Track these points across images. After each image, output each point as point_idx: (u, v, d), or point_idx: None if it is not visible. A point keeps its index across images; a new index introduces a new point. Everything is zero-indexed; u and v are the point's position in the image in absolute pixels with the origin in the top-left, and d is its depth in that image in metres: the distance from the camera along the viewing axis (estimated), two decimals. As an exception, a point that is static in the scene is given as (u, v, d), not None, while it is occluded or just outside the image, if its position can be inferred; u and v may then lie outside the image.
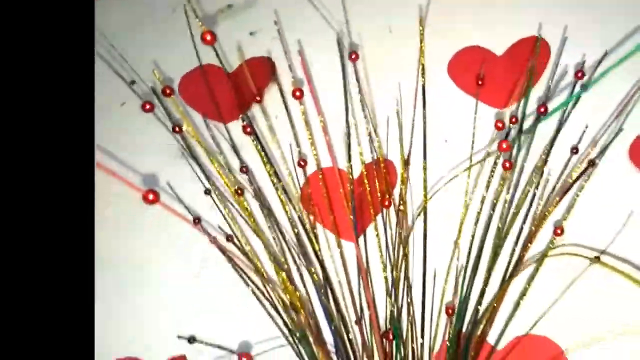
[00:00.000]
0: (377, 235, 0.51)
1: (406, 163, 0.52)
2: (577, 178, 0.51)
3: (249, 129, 0.46)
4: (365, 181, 0.52)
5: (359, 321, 0.49)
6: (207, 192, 0.54)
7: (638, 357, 0.50)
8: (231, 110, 0.61)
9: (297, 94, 0.45)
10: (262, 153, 0.50)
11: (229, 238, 0.53)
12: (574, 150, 0.54)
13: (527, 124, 0.55)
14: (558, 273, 0.51)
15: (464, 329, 0.49)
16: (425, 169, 0.50)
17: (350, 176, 0.52)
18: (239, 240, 0.53)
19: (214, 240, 0.52)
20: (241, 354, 0.40)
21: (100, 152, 0.61)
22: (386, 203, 0.45)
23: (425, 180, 0.50)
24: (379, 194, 0.52)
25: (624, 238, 0.53)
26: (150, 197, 0.32)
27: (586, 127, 0.56)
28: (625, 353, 0.50)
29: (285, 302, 0.49)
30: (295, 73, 0.59)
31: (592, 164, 0.52)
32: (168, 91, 0.45)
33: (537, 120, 0.52)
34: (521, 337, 0.50)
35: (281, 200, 0.52)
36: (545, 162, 0.53)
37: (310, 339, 0.46)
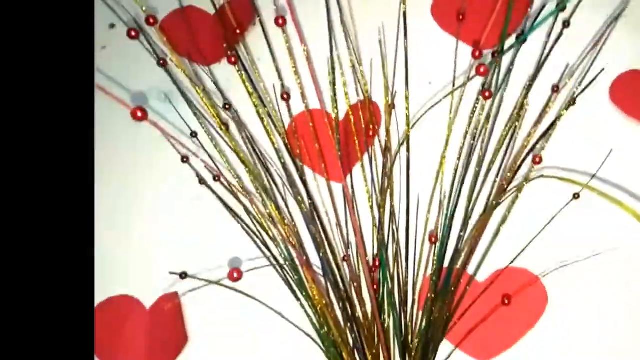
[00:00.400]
0: (362, 166, 0.52)
1: (392, 99, 0.52)
2: (558, 117, 0.52)
3: (233, 59, 0.46)
4: (351, 117, 0.52)
5: (347, 257, 0.51)
6: (194, 134, 0.55)
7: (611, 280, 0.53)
8: (214, 52, 0.60)
9: (280, 21, 0.45)
10: (247, 83, 0.50)
11: (216, 178, 0.53)
12: (555, 88, 0.55)
13: (507, 57, 0.56)
14: (537, 206, 0.53)
15: (446, 258, 0.51)
16: (407, 98, 0.50)
17: (336, 110, 0.52)
18: (225, 180, 0.54)
19: (202, 180, 0.53)
20: (232, 270, 0.41)
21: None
22: (370, 133, 0.45)
23: (407, 109, 0.51)
24: (364, 130, 0.53)
25: (603, 175, 0.54)
26: (139, 114, 0.32)
27: (567, 66, 0.56)
28: (601, 279, 0.53)
29: (274, 234, 0.50)
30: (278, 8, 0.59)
31: (572, 102, 0.53)
32: (152, 20, 0.45)
33: (517, 43, 0.52)
34: (502, 270, 0.52)
35: (266, 130, 0.52)
36: (525, 96, 0.53)
37: (299, 267, 0.47)
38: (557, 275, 0.53)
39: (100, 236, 0.57)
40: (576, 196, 0.51)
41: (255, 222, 0.53)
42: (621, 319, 0.52)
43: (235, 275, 0.45)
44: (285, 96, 0.51)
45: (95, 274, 0.55)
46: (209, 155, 0.55)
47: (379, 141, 0.54)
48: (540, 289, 0.53)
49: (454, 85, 0.54)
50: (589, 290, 0.53)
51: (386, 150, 0.52)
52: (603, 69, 0.55)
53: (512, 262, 0.52)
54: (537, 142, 0.52)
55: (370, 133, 0.47)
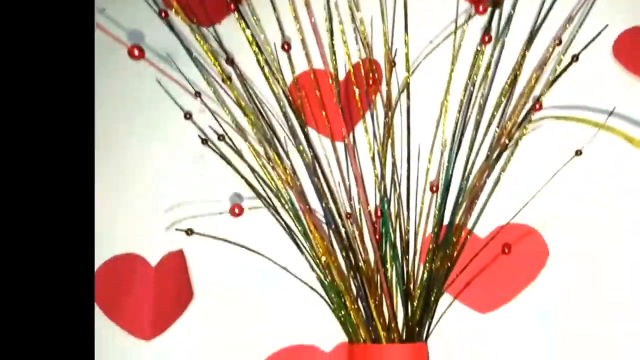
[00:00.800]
0: (364, 120, 0.53)
1: (393, 55, 0.53)
2: (561, 72, 0.52)
3: (232, 6, 0.47)
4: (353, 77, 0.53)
5: (350, 215, 0.51)
6: (197, 94, 0.55)
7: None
8: (217, 11, 0.61)
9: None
10: (247, 32, 0.51)
11: (220, 137, 0.54)
12: (558, 41, 0.54)
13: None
14: (538, 161, 0.54)
15: (447, 209, 0.51)
16: (406, 43, 0.51)
17: (334, 62, 0.53)
18: (229, 138, 0.54)
19: (205, 140, 0.54)
20: (234, 205, 0.42)
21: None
22: (370, 82, 0.46)
23: (407, 54, 0.51)
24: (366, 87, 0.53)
25: (604, 135, 0.54)
26: (136, 52, 0.33)
27: (569, 20, 0.56)
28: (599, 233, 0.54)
29: (277, 185, 0.51)
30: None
31: (576, 58, 0.53)
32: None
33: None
34: (502, 225, 0.53)
35: (267, 80, 0.53)
36: (527, 45, 0.53)
37: (301, 214, 0.48)
38: (557, 229, 0.54)
39: (105, 195, 0.59)
40: (578, 152, 0.52)
41: (259, 177, 0.53)
42: (619, 273, 0.53)
43: (237, 210, 0.46)
44: (285, 46, 0.52)
45: (102, 233, 0.57)
46: (212, 114, 0.56)
47: (381, 96, 0.55)
48: (540, 243, 0.54)
49: (456, 27, 0.54)
50: (588, 243, 0.54)
51: (388, 101, 0.52)
52: (607, 25, 0.55)
53: (512, 218, 0.52)
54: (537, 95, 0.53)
55: (371, 86, 0.47)
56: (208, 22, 0.60)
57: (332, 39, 0.53)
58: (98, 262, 0.58)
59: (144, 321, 0.57)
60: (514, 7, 0.54)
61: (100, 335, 0.55)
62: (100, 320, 0.57)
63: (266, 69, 0.52)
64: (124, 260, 0.59)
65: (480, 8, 0.38)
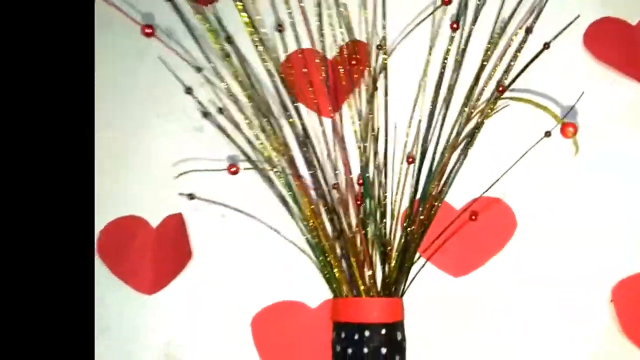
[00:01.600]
0: (348, 99, 0.57)
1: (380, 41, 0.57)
2: (532, 60, 0.56)
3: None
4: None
5: (336, 185, 0.56)
6: (198, 70, 0.59)
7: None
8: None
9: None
10: (242, 13, 0.55)
11: (220, 110, 0.58)
12: (529, 30, 0.58)
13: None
14: (509, 139, 0.58)
15: (421, 179, 0.56)
16: (384, 27, 0.55)
17: (322, 43, 0.57)
18: (227, 110, 0.58)
19: (205, 113, 0.57)
20: (230, 165, 0.46)
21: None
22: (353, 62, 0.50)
23: (384, 38, 0.56)
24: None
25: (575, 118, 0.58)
26: (147, 30, 0.37)
27: (541, 9, 0.59)
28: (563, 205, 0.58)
29: (270, 154, 0.55)
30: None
31: (546, 46, 0.57)
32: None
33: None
34: (476, 198, 0.57)
35: (261, 58, 0.57)
36: (496, 32, 0.57)
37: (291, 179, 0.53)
38: (525, 203, 0.58)
39: (112, 163, 0.62)
40: (548, 134, 0.55)
41: (253, 147, 0.57)
42: (579, 243, 0.57)
43: (233, 169, 0.50)
44: (280, 28, 0.56)
45: (105, 197, 0.61)
46: (213, 88, 0.59)
47: (363, 76, 0.59)
48: (509, 216, 0.58)
49: (433, 17, 0.58)
50: (553, 216, 0.58)
51: (372, 81, 0.56)
52: (579, 15, 0.59)
53: (485, 192, 0.56)
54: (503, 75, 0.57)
55: (354, 67, 0.52)
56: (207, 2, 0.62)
57: (319, 19, 0.57)
58: (103, 223, 0.61)
59: (146, 277, 0.60)
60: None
61: (106, 290, 0.59)
62: (107, 276, 0.60)
63: (260, 48, 0.56)
64: (127, 221, 0.62)
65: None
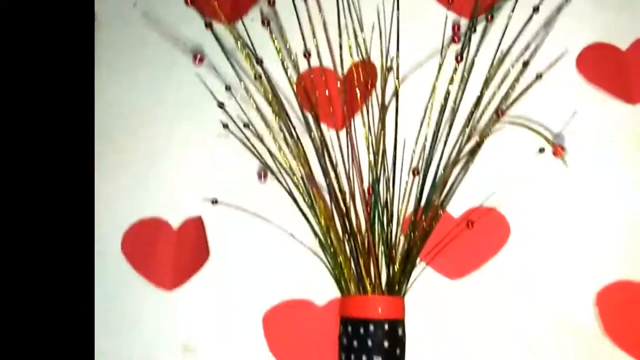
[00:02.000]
0: (362, 116, 0.62)
1: (387, 64, 0.63)
2: (526, 89, 0.61)
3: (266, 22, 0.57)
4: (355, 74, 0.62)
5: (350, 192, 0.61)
6: (227, 88, 0.63)
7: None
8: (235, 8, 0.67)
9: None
10: (276, 42, 0.60)
11: (246, 125, 0.63)
12: (525, 63, 0.61)
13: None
14: (507, 155, 0.61)
15: (425, 190, 0.61)
16: (397, 57, 0.60)
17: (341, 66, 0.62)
18: (253, 126, 0.62)
19: (226, 125, 0.62)
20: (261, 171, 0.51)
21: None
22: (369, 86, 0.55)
23: (397, 68, 0.61)
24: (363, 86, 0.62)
25: (567, 136, 0.61)
26: (198, 56, 0.42)
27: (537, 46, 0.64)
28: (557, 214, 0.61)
29: (291, 165, 0.60)
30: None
31: (539, 76, 0.61)
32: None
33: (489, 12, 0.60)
34: (474, 208, 0.61)
35: (289, 81, 0.61)
36: (494, 65, 0.62)
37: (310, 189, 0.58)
38: (518, 212, 0.60)
39: (138, 167, 0.66)
40: (542, 150, 0.58)
41: (276, 159, 0.62)
42: (570, 249, 0.60)
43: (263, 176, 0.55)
44: (307, 55, 0.61)
45: (130, 199, 0.65)
46: (239, 105, 0.64)
47: (376, 96, 0.63)
48: (504, 224, 0.61)
49: (442, 50, 0.63)
50: (544, 225, 0.60)
51: (383, 106, 0.62)
52: (567, 49, 0.63)
53: (482, 203, 0.60)
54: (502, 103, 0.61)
55: (368, 87, 0.57)
56: (234, 17, 0.65)
57: (340, 49, 0.63)
58: (128, 224, 0.64)
59: (166, 274, 0.63)
60: (483, 35, 0.63)
61: (129, 286, 0.63)
62: (129, 273, 0.63)
63: (289, 71, 0.61)
64: (150, 223, 0.65)
65: (455, 39, 0.50)
